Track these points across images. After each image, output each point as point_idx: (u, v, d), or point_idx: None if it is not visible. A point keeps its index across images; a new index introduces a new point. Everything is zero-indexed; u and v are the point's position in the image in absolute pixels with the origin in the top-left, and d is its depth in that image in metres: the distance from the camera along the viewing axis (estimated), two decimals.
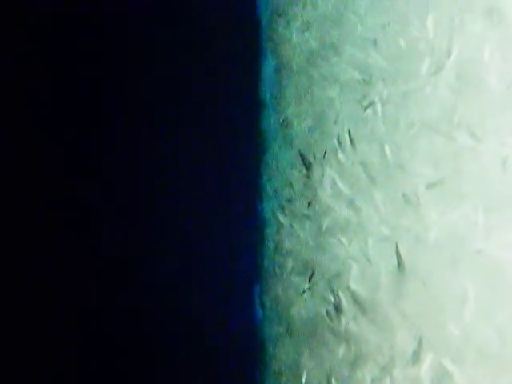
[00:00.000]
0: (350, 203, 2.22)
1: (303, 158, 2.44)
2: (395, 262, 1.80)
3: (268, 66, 3.63)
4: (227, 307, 4.17)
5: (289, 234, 2.77)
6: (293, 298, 2.57)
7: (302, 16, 2.99)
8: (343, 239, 2.20)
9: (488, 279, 1.54)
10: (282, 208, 2.97)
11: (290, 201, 2.86)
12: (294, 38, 3.08)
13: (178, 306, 4.24)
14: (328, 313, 1.93)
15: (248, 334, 3.62)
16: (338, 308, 1.89)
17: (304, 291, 2.36)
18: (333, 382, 1.86)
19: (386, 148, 2.12)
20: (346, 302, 1.88)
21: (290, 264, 2.67)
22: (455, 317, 1.55)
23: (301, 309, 2.33)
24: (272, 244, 3.14)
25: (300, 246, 2.55)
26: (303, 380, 2.07)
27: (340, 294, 1.92)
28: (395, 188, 2.03)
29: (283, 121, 3.22)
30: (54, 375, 3.88)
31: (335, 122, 2.52)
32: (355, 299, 1.82)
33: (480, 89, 1.63)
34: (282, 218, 2.91)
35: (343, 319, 1.85)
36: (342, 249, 2.18)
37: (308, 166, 2.42)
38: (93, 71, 4.09)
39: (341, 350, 1.84)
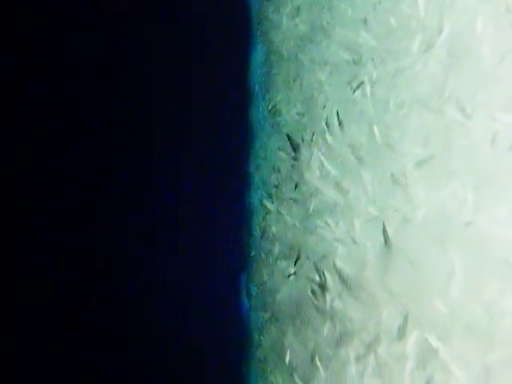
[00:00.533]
0: (338, 185, 2.18)
1: (291, 140, 2.40)
2: (382, 240, 1.77)
3: (258, 55, 3.60)
4: (213, 298, 4.14)
5: (276, 220, 2.74)
6: (279, 283, 2.53)
7: (291, 0, 2.96)
8: (330, 221, 2.16)
9: (476, 254, 1.51)
10: (269, 195, 2.93)
11: (277, 186, 2.83)
12: (284, 23, 3.05)
13: (163, 297, 4.20)
14: (313, 291, 1.89)
15: (234, 325, 3.58)
16: (323, 286, 1.85)
17: (290, 275, 2.32)
18: (316, 360, 1.82)
19: (375, 129, 2.09)
20: (331, 280, 1.84)
21: (276, 249, 2.64)
22: (442, 293, 1.52)
23: (287, 292, 2.29)
24: (259, 231, 3.10)
25: (287, 230, 2.51)
26: (287, 360, 2.02)
27: (326, 272, 1.88)
28: (384, 168, 2.00)
29: (272, 109, 3.19)
30: (53, 375, 3.86)
31: (324, 106, 2.49)
32: (341, 277, 1.79)
33: (472, 62, 1.60)
34: (269, 205, 2.88)
35: (328, 297, 1.81)
36: (329, 231, 2.14)
37: (296, 148, 2.38)
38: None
39: (325, 329, 1.80)
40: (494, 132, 1.57)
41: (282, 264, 2.50)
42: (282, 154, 2.57)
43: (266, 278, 2.78)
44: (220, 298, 4.02)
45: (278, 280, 2.55)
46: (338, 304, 1.76)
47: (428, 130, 1.82)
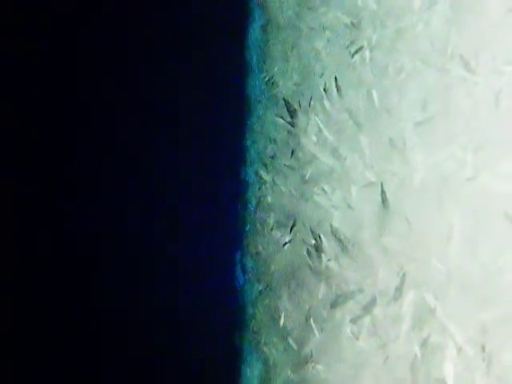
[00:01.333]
0: (335, 151, 2.14)
1: (288, 105, 2.35)
2: (379, 203, 1.73)
3: (255, 27, 3.53)
4: (209, 274, 4.13)
5: (271, 190, 2.70)
6: (274, 252, 2.50)
7: None
8: (326, 188, 2.12)
9: (474, 212, 1.48)
10: (265, 165, 2.89)
11: (272, 157, 2.79)
12: None
13: (160, 273, 4.20)
14: (309, 252, 1.86)
15: (229, 300, 3.58)
16: (318, 248, 1.81)
17: (285, 244, 2.29)
18: (311, 322, 1.79)
19: (374, 94, 2.05)
20: (327, 242, 1.81)
21: (271, 219, 2.60)
22: (440, 252, 1.49)
23: (282, 260, 2.26)
24: (254, 203, 3.06)
25: (282, 199, 2.47)
26: (281, 323, 1.99)
27: (321, 235, 1.84)
28: (381, 133, 1.96)
29: (268, 81, 3.14)
30: (53, 375, 3.87)
31: (322, 74, 2.44)
32: (337, 238, 1.75)
33: (477, 14, 1.55)
34: (264, 175, 2.84)
35: (324, 257, 1.77)
36: (325, 197, 2.11)
37: (293, 113, 2.33)
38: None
39: (321, 290, 1.77)
40: (497, 87, 1.52)
41: (277, 233, 2.47)
42: (279, 121, 2.52)
43: (260, 248, 2.75)
44: (215, 277, 4.01)
45: (272, 250, 2.52)
46: (333, 265, 1.73)
47: (428, 92, 1.77)
